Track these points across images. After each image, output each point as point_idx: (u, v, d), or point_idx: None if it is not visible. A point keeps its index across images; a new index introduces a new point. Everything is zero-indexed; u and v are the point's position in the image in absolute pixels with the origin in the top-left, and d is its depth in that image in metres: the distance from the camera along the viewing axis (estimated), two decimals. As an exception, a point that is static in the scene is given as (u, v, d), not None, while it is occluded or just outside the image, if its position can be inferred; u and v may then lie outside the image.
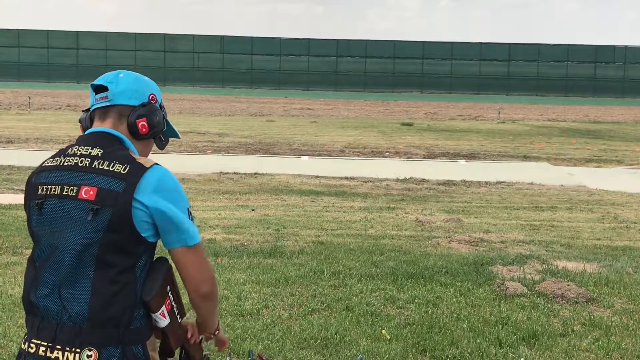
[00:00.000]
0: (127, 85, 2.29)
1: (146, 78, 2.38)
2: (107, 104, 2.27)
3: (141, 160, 2.21)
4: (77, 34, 54.01)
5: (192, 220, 2.23)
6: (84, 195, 2.14)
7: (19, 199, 9.87)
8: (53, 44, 53.11)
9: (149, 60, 51.62)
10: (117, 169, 2.15)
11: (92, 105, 2.32)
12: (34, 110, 28.59)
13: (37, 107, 30.00)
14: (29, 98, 31.07)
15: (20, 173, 12.36)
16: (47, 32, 53.82)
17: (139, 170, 2.16)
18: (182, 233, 2.20)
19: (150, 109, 2.30)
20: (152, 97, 2.34)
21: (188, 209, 2.23)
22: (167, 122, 2.41)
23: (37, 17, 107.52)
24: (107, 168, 2.16)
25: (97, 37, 53.32)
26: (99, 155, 2.19)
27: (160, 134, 2.37)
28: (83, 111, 2.40)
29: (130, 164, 2.17)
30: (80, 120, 2.39)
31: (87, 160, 2.18)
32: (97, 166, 2.17)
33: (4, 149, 16.39)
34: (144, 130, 2.28)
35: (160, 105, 2.37)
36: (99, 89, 2.29)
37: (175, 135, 2.48)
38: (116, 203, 2.12)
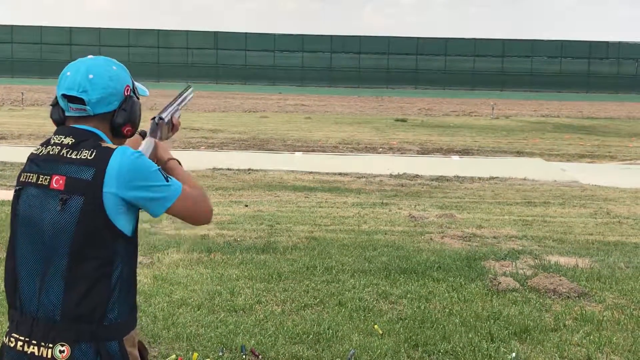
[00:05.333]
0: (102, 91, 2.17)
1: (114, 67, 2.23)
2: (85, 114, 2.20)
3: (108, 144, 2.18)
4: (71, 29, 53.84)
5: (165, 178, 2.19)
6: (54, 185, 2.12)
7: (11, 195, 9.85)
8: (46, 39, 52.91)
9: (143, 57, 51.47)
10: (84, 156, 2.12)
11: (66, 111, 2.22)
12: (27, 106, 28.51)
13: (30, 103, 29.91)
14: (22, 94, 30.97)
15: (12, 169, 12.33)
16: (41, 28, 53.63)
17: (105, 154, 2.12)
18: (161, 201, 2.18)
19: (131, 111, 2.23)
20: (127, 89, 2.24)
21: (158, 172, 2.18)
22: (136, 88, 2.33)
23: (30, 12, 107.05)
24: (75, 157, 2.13)
25: (90, 33, 53.15)
26: (70, 144, 2.16)
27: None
28: (52, 105, 2.28)
29: (97, 148, 2.14)
30: (52, 118, 2.28)
31: (57, 149, 2.16)
32: (64, 154, 2.14)
33: (-4, 145, 16.34)
34: (129, 133, 2.26)
35: (133, 89, 2.28)
36: (72, 98, 2.17)
37: (144, 94, 2.41)
38: (87, 192, 2.09)
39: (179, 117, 2.66)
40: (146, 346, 2.42)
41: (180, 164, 2.42)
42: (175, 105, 2.66)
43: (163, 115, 2.55)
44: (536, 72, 52.82)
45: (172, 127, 2.61)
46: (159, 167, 2.22)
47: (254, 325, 4.94)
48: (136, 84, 2.35)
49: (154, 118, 2.52)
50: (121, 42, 52.16)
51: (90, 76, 2.16)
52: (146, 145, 2.40)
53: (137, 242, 2.25)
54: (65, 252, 2.11)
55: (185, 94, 2.76)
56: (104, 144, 2.17)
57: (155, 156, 2.42)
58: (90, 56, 2.27)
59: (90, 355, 2.11)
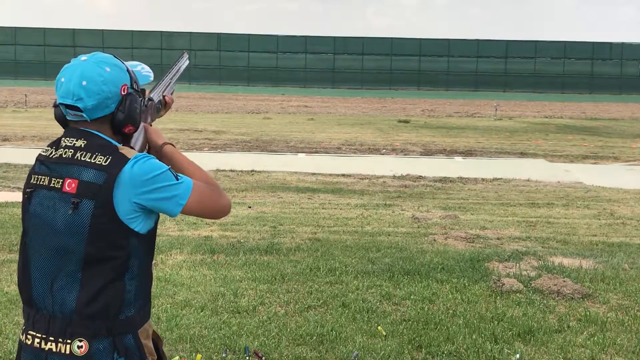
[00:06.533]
0: (97, 96, 2.15)
1: (108, 69, 2.18)
2: (83, 120, 2.19)
3: (124, 150, 2.18)
4: (74, 31, 53.94)
5: (176, 177, 2.18)
6: (67, 188, 2.13)
7: (15, 196, 9.87)
8: (50, 41, 53.01)
9: (146, 58, 51.33)
10: (99, 161, 2.13)
11: (66, 115, 2.22)
12: (31, 108, 28.55)
13: (33, 104, 29.95)
14: (26, 96, 31.00)
15: (16, 171, 12.35)
16: (44, 30, 53.75)
17: (120, 161, 2.13)
18: (175, 199, 2.17)
19: (129, 110, 2.20)
20: (124, 88, 2.21)
21: (168, 172, 2.17)
22: (138, 77, 2.31)
23: (33, 14, 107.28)
24: (89, 160, 2.13)
25: (93, 35, 53.24)
26: (82, 146, 2.16)
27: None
28: (54, 106, 2.27)
29: (112, 154, 2.14)
30: (56, 118, 2.28)
31: (71, 152, 2.17)
32: (79, 158, 2.15)
33: (0, 147, 16.36)
34: (131, 132, 2.26)
35: (132, 85, 2.24)
36: (68, 106, 2.16)
37: (147, 80, 2.40)
38: (98, 196, 2.10)
39: (172, 92, 2.61)
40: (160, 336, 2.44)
41: (174, 146, 2.41)
42: (167, 79, 2.59)
43: (153, 96, 2.48)
44: (539, 73, 52.80)
45: (165, 104, 2.58)
46: (169, 167, 2.22)
47: (257, 326, 4.94)
48: (138, 70, 2.34)
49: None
50: (124, 44, 52.25)
51: (84, 83, 2.14)
52: (136, 132, 2.33)
53: (154, 240, 2.26)
54: (79, 254, 2.13)
55: (179, 64, 2.70)
56: (120, 150, 2.17)
57: (147, 141, 2.40)
58: (84, 57, 2.22)
59: (107, 350, 2.14)
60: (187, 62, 2.75)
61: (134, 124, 2.24)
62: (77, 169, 2.14)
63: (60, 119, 2.27)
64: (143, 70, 2.41)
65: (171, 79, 2.62)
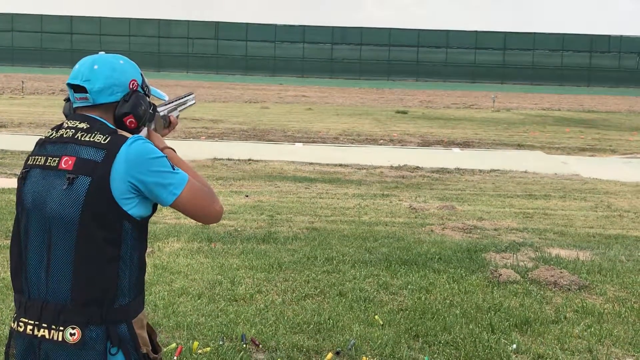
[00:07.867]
0: (105, 80, 2.20)
1: (122, 61, 2.27)
2: (89, 104, 2.22)
3: (122, 132, 2.20)
4: (71, 18, 53.68)
5: (172, 167, 2.20)
6: (63, 165, 2.14)
7: (12, 183, 9.84)
8: (47, 28, 52.80)
9: (143, 46, 51.38)
10: (98, 139, 2.14)
11: (74, 103, 2.26)
12: (27, 94, 28.45)
13: (30, 91, 29.86)
14: (22, 82, 30.91)
15: (12, 157, 12.32)
16: (41, 17, 53.50)
17: (119, 140, 2.14)
18: (169, 187, 2.17)
19: (134, 102, 2.23)
20: (133, 83, 2.26)
21: (165, 159, 2.19)
22: (151, 90, 2.38)
23: (30, 1, 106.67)
24: (88, 139, 2.15)
25: (91, 22, 53.01)
26: (84, 128, 2.18)
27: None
28: (65, 100, 2.34)
29: (112, 134, 2.16)
30: (64, 113, 2.33)
31: (72, 132, 2.18)
32: (79, 137, 2.16)
33: (-3, 133, 16.32)
34: (132, 126, 2.26)
35: (142, 86, 2.30)
36: (76, 88, 2.21)
37: (162, 97, 2.47)
38: (94, 173, 2.10)
39: (177, 116, 2.67)
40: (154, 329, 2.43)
41: (175, 152, 2.42)
42: (173, 104, 2.67)
43: (159, 109, 2.55)
44: (537, 65, 52.77)
45: (169, 124, 2.62)
46: (166, 155, 2.23)
47: (254, 314, 4.94)
48: (155, 88, 2.41)
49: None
50: (122, 32, 52.04)
51: (95, 67, 2.21)
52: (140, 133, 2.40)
53: (146, 228, 2.26)
54: (71, 233, 2.12)
55: (186, 97, 2.77)
56: (119, 132, 2.19)
57: None
58: (102, 52, 2.32)
59: (100, 338, 2.13)
60: (194, 102, 2.83)
61: (136, 117, 2.25)
62: (75, 147, 2.15)
63: (68, 115, 2.30)
64: (161, 91, 2.48)
65: (177, 105, 2.70)
